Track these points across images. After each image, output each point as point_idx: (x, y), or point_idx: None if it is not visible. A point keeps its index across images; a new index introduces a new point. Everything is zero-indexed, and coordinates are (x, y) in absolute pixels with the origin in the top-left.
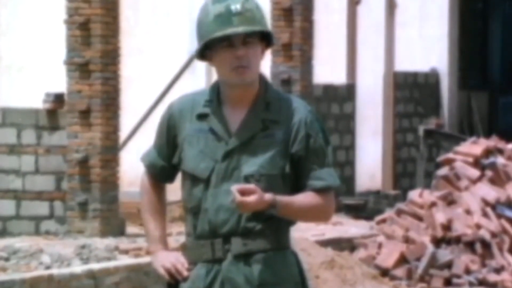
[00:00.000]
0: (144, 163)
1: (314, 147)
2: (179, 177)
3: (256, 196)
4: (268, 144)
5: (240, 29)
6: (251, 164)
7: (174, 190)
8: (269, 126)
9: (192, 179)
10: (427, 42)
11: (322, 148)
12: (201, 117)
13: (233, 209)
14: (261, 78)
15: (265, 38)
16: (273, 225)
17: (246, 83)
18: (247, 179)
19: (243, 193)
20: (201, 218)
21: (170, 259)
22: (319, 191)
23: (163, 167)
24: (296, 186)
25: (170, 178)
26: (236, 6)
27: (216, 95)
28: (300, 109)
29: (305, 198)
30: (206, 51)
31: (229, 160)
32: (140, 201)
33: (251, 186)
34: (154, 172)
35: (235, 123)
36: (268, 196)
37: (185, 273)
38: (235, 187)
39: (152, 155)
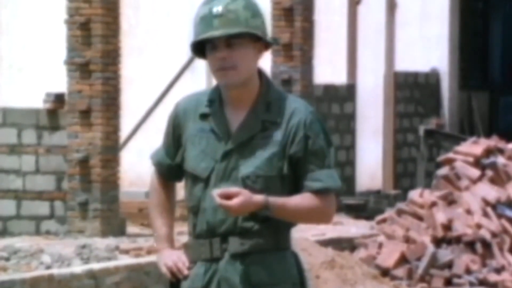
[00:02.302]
0: (152, 162)
1: (313, 149)
2: None
3: (239, 199)
4: (266, 145)
5: (218, 32)
6: (248, 165)
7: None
8: (269, 127)
9: (192, 179)
10: (428, 42)
11: (321, 149)
12: (204, 117)
13: None
14: (263, 77)
15: (262, 38)
16: (272, 226)
17: (230, 85)
18: (244, 180)
19: (227, 197)
20: (200, 217)
21: (172, 258)
22: (317, 192)
23: (170, 166)
24: (297, 187)
25: (178, 177)
26: (217, 8)
27: (218, 95)
28: (301, 110)
29: (301, 199)
30: (199, 50)
31: (227, 161)
32: (149, 200)
33: (234, 189)
34: (162, 170)
35: (236, 124)
36: (258, 197)
37: (186, 271)
38: (215, 192)
39: (160, 154)
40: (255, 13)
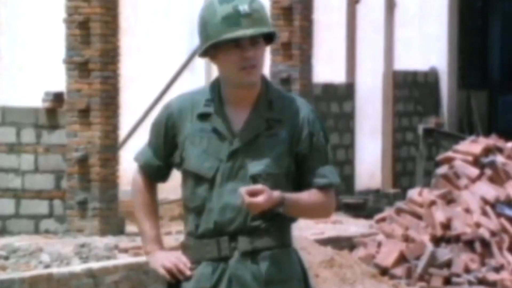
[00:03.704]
0: (138, 163)
1: (316, 145)
2: (178, 176)
3: (265, 196)
4: (273, 143)
5: (250, 31)
6: (257, 164)
7: (175, 189)
8: (273, 125)
9: (195, 179)
10: (427, 41)
11: (323, 146)
12: (203, 116)
13: (239, 208)
14: (262, 77)
15: (267, 36)
16: (277, 223)
17: (253, 83)
18: (254, 178)
19: (251, 194)
20: (205, 217)
21: (170, 259)
22: (322, 188)
23: (159, 166)
24: (298, 183)
25: (164, 178)
26: (244, 7)
27: (217, 94)
28: (303, 108)
29: (310, 195)
30: (209, 49)
31: (234, 160)
32: (133, 201)
33: (259, 186)
34: (149, 171)
35: (239, 123)
36: (276, 194)
37: (188, 272)
38: (243, 189)
39: (148, 155)
40: (267, 12)
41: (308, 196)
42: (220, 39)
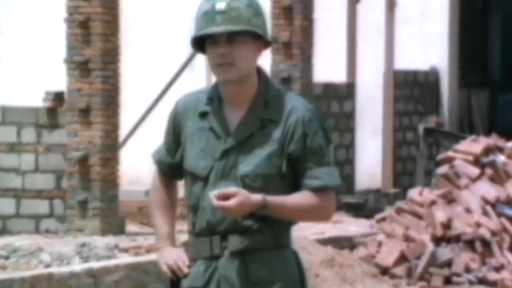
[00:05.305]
0: (153, 160)
1: (311, 146)
2: None
3: (236, 200)
4: (265, 143)
5: (220, 28)
6: (247, 164)
7: None
8: (267, 125)
9: (192, 177)
10: (427, 41)
11: (320, 147)
12: (203, 115)
13: None
14: (262, 75)
15: (263, 37)
16: (272, 224)
17: (228, 80)
18: (242, 178)
19: (223, 197)
20: (200, 216)
21: (172, 256)
22: (316, 190)
23: (171, 164)
24: (296, 186)
25: (179, 175)
26: (220, 5)
27: (217, 94)
28: (299, 108)
29: (299, 198)
30: (200, 45)
31: (226, 159)
32: (150, 198)
33: (232, 190)
34: (163, 169)
35: (234, 122)
36: (256, 197)
37: (186, 270)
38: (212, 193)
39: (162, 153)
40: (257, 11)
41: (298, 199)
42: (197, 35)
